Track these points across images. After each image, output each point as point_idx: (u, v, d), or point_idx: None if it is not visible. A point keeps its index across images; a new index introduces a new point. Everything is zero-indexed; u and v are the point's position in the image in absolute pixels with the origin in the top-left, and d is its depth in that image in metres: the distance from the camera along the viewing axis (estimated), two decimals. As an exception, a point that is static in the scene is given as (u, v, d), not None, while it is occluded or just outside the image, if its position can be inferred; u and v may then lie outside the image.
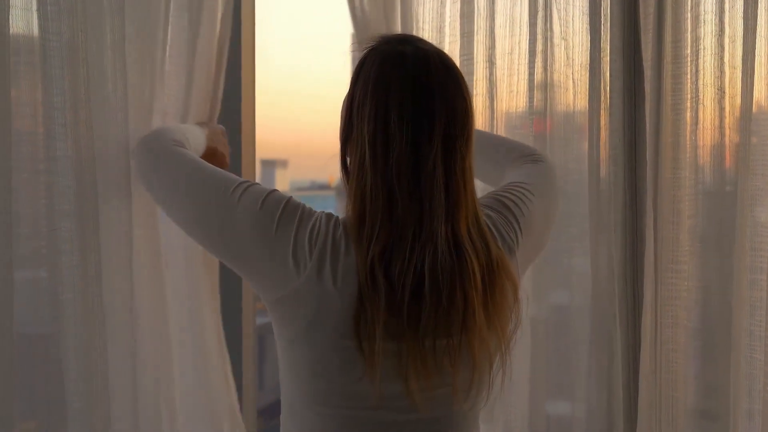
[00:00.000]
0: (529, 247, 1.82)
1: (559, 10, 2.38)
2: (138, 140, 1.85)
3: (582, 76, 2.41)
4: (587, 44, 2.39)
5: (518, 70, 2.41)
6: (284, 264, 1.64)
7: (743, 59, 2.22)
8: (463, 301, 1.63)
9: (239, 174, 2.54)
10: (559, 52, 2.39)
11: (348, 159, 1.73)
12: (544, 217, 1.86)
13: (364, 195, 1.66)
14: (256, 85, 2.64)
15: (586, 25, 2.40)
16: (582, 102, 2.43)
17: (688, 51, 2.29)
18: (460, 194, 1.66)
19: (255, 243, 1.66)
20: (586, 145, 2.45)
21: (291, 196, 1.74)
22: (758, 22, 2.19)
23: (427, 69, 1.67)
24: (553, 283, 2.51)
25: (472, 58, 2.38)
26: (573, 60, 2.40)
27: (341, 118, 1.76)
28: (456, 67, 1.72)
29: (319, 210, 1.75)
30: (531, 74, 2.39)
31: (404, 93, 1.65)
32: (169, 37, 2.02)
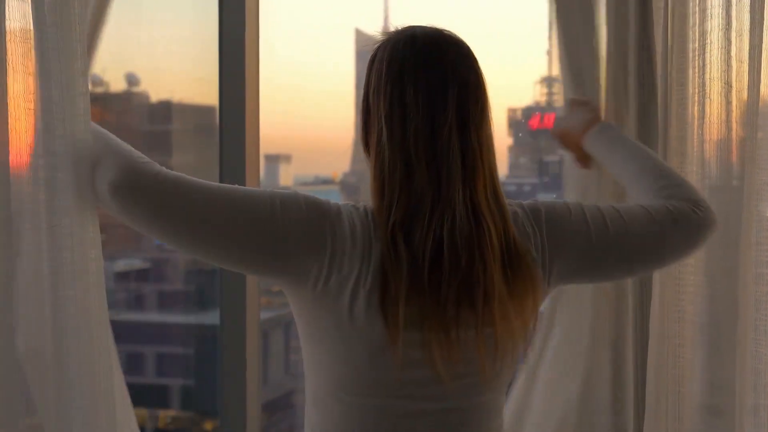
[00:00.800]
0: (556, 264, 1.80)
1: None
2: (96, 174, 1.71)
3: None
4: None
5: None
6: (332, 260, 1.66)
7: (749, 54, 2.21)
8: (482, 266, 1.66)
9: (242, 169, 2.54)
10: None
11: (369, 145, 1.77)
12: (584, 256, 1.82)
13: (383, 169, 1.69)
14: (260, 80, 2.64)
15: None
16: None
17: (696, 45, 2.28)
18: (477, 162, 1.70)
19: (307, 248, 1.68)
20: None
21: (314, 196, 1.76)
22: (764, 16, 2.18)
23: (438, 45, 1.73)
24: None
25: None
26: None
27: (360, 108, 1.80)
28: (466, 43, 1.77)
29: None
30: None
31: (417, 68, 1.70)
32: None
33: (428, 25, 1.80)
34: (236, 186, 1.73)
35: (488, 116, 1.74)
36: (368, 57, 1.80)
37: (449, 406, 1.72)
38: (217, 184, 1.72)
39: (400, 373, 1.66)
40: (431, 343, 1.65)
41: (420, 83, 1.70)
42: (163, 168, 1.74)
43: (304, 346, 1.76)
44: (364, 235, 1.67)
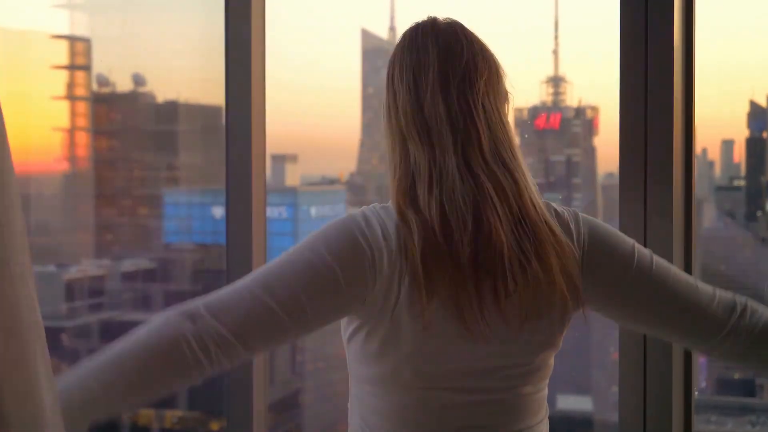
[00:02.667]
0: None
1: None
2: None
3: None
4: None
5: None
6: (382, 287, 1.68)
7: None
8: (489, 226, 1.67)
9: (249, 170, 2.54)
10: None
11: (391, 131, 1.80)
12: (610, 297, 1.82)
13: (389, 152, 1.73)
14: (266, 79, 2.64)
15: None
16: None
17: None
18: (469, 126, 1.71)
19: (361, 287, 1.69)
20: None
21: (332, 231, 1.74)
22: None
23: (431, 28, 1.79)
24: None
25: None
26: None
27: (384, 105, 1.84)
28: (466, 28, 1.82)
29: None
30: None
31: (405, 50, 1.77)
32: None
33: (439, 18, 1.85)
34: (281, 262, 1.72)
35: (484, 84, 1.75)
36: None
37: (491, 398, 1.74)
38: (262, 282, 1.70)
39: (427, 320, 1.67)
40: (462, 310, 1.65)
41: (404, 62, 1.72)
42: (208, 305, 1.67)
43: (349, 341, 1.77)
44: (395, 231, 1.69)
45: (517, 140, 1.75)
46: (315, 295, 1.63)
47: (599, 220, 1.77)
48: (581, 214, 1.76)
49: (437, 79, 1.71)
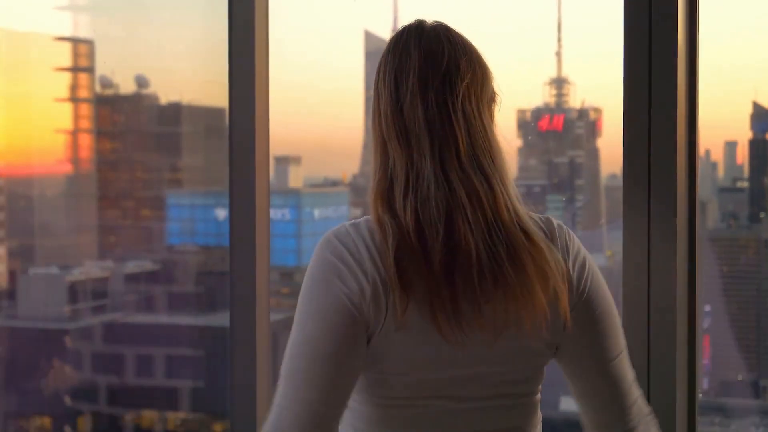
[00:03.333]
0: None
1: None
2: None
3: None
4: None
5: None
6: (373, 311, 1.71)
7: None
8: (459, 231, 1.69)
9: (252, 171, 2.54)
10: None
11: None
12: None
13: (372, 156, 1.78)
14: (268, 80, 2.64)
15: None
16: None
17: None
18: (446, 131, 1.74)
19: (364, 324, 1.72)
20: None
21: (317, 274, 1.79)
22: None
23: (417, 32, 1.80)
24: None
25: None
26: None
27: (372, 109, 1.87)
28: (455, 31, 1.84)
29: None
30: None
31: (389, 54, 1.78)
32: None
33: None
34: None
35: (466, 88, 1.76)
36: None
37: (478, 405, 1.76)
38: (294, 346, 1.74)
39: (400, 314, 1.68)
40: (436, 315, 1.67)
41: (388, 65, 1.76)
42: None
43: None
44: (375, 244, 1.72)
45: (500, 145, 1.75)
46: (346, 361, 1.70)
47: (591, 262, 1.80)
48: (579, 250, 1.77)
49: (417, 83, 1.72)
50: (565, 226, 1.82)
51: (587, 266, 1.80)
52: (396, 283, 1.65)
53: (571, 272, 1.75)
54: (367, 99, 1.86)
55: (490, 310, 1.67)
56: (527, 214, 1.76)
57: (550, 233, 1.77)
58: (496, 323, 1.68)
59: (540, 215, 1.84)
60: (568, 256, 1.76)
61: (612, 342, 1.84)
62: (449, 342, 1.66)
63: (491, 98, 1.80)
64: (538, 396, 1.84)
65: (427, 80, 1.73)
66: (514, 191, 1.77)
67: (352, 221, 1.76)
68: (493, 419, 1.78)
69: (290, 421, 1.67)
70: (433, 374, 1.71)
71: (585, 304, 1.77)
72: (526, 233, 1.70)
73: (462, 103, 1.73)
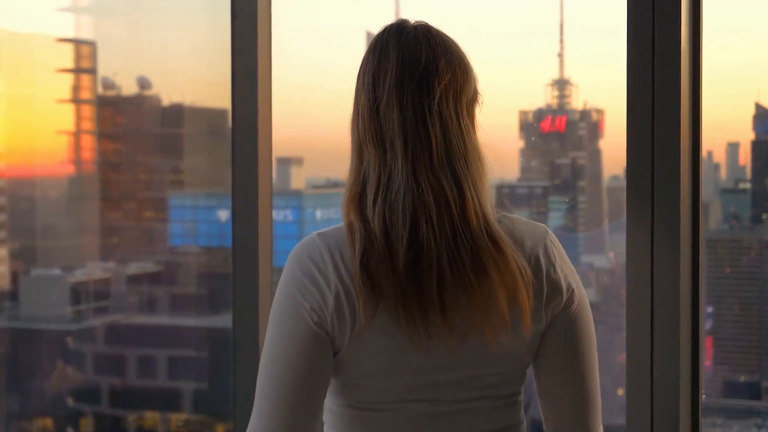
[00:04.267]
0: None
1: None
2: None
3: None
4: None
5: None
6: (336, 321, 1.74)
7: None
8: (424, 235, 1.70)
9: (255, 173, 2.54)
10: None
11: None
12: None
13: (351, 157, 1.80)
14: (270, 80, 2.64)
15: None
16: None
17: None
18: (419, 134, 1.74)
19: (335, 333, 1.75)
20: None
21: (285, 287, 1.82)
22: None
23: (396, 33, 1.81)
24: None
25: None
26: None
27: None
28: (437, 31, 1.83)
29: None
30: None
31: (369, 56, 1.80)
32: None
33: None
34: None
35: (442, 92, 1.76)
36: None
37: (460, 408, 1.76)
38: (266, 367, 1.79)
39: (365, 316, 1.71)
40: (400, 320, 1.69)
41: (368, 66, 1.78)
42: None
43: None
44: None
45: (478, 147, 1.75)
46: (315, 371, 1.73)
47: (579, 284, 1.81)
48: (549, 238, 1.77)
49: (393, 84, 1.72)
50: (557, 242, 1.83)
51: (575, 289, 1.82)
52: (361, 289, 1.66)
53: (561, 282, 1.77)
54: (369, 100, 1.85)
55: (455, 316, 1.68)
56: (502, 217, 1.78)
57: (533, 241, 1.78)
58: (461, 329, 1.69)
59: (537, 223, 1.85)
60: (554, 269, 1.78)
61: (588, 367, 1.87)
62: (415, 347, 1.67)
63: (472, 99, 1.80)
64: (519, 398, 1.85)
65: (404, 82, 1.72)
66: (488, 196, 1.76)
67: (321, 231, 1.77)
68: (471, 421, 1.79)
69: None
70: (404, 379, 1.73)
71: (566, 321, 1.80)
72: (493, 240, 1.70)
73: (439, 105, 1.72)
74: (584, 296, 1.85)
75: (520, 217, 1.83)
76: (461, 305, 1.68)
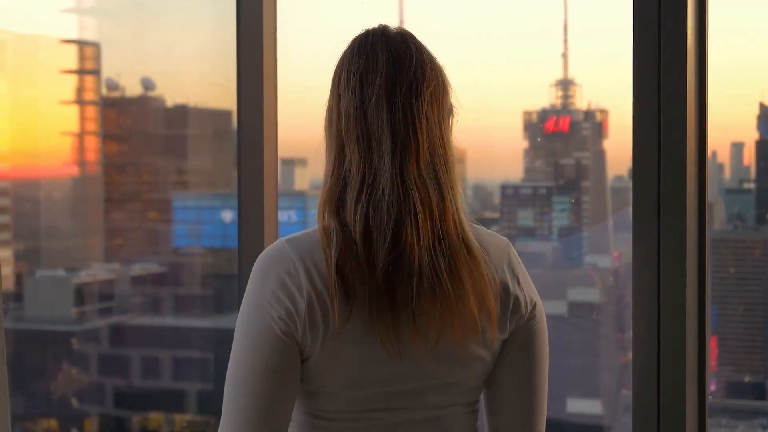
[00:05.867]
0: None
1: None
2: None
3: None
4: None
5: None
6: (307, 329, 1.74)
7: None
8: (405, 237, 1.70)
9: (260, 174, 2.54)
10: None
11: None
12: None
13: (326, 159, 1.80)
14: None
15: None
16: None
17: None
18: (409, 137, 1.74)
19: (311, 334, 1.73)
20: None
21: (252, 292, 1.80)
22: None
23: (375, 36, 1.82)
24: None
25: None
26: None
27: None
28: (412, 35, 1.84)
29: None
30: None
31: (350, 56, 1.80)
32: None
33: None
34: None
35: (431, 96, 1.77)
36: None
37: (419, 417, 1.79)
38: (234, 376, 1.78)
39: (339, 321, 1.71)
40: (374, 324, 1.69)
41: (352, 66, 1.77)
42: None
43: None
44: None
45: (454, 156, 1.77)
46: (281, 376, 1.72)
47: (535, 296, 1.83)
48: (512, 251, 1.80)
49: (384, 86, 1.72)
50: (518, 256, 1.86)
51: (537, 303, 1.86)
52: (336, 292, 1.66)
53: (520, 297, 1.80)
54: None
55: (425, 321, 1.69)
56: (473, 226, 1.80)
57: (498, 253, 1.80)
58: (430, 335, 1.70)
59: (500, 236, 1.87)
60: (518, 283, 1.81)
61: (541, 378, 1.89)
62: (387, 354, 1.68)
63: (450, 110, 1.81)
64: (478, 406, 1.88)
65: (395, 84, 1.73)
66: (462, 203, 1.79)
67: (289, 236, 1.77)
68: (438, 429, 1.80)
69: None
70: (373, 389, 1.73)
71: (525, 333, 1.83)
72: (467, 247, 1.73)
73: (426, 110, 1.74)
74: (542, 310, 1.89)
75: (483, 227, 1.85)
76: (433, 311, 1.69)
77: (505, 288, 1.79)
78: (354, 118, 1.74)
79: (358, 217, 1.68)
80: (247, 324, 1.73)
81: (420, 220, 1.68)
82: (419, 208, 1.68)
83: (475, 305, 1.70)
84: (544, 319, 1.88)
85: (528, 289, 1.85)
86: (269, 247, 1.79)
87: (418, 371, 1.73)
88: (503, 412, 1.89)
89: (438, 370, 1.76)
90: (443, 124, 1.77)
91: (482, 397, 1.91)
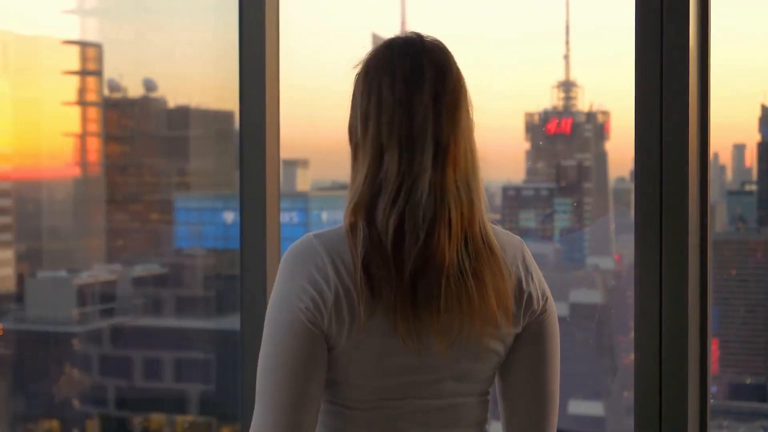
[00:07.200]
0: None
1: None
2: None
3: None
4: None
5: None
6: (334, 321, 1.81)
7: None
8: (437, 241, 1.75)
9: (262, 175, 2.54)
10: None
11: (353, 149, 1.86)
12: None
13: (359, 160, 1.84)
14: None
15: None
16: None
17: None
18: (450, 147, 1.79)
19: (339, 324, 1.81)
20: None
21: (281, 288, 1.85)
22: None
23: (413, 41, 1.86)
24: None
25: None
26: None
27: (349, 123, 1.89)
28: (442, 42, 1.90)
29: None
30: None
31: (393, 60, 1.84)
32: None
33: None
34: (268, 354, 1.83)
35: (465, 106, 1.84)
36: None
37: (436, 405, 1.84)
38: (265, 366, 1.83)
39: (363, 321, 1.75)
40: (397, 320, 1.74)
41: (397, 70, 1.80)
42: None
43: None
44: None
45: (479, 164, 1.82)
46: (310, 369, 1.76)
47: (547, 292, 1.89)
48: (525, 248, 1.86)
49: (430, 95, 1.77)
50: (530, 253, 1.93)
51: (548, 298, 1.92)
52: (362, 289, 1.70)
53: (533, 292, 1.86)
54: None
55: (448, 319, 1.75)
56: (499, 228, 1.87)
57: (513, 251, 1.87)
58: (452, 332, 1.75)
59: (513, 234, 1.93)
60: (532, 279, 1.87)
61: (551, 369, 1.95)
62: (408, 348, 1.73)
63: (472, 122, 1.87)
64: (489, 396, 1.96)
65: (439, 93, 1.78)
66: (486, 206, 1.85)
67: (316, 232, 1.80)
68: (457, 416, 1.87)
69: None
70: (395, 379, 1.79)
71: (538, 327, 1.89)
72: (490, 248, 1.79)
73: (463, 118, 1.79)
74: (553, 304, 1.95)
75: (498, 226, 1.91)
76: (456, 309, 1.76)
77: (519, 285, 1.86)
78: (398, 125, 1.78)
79: (391, 218, 1.74)
80: (277, 316, 1.78)
81: (453, 224, 1.75)
82: (453, 213, 1.76)
83: (494, 302, 1.77)
84: (555, 311, 1.95)
85: (540, 285, 1.93)
86: (297, 241, 1.83)
87: (437, 364, 1.81)
88: (517, 400, 1.97)
89: (455, 363, 1.85)
90: (472, 133, 1.83)
91: (495, 386, 1.97)
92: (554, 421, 1.99)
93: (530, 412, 1.95)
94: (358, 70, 1.90)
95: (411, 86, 1.80)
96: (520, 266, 1.89)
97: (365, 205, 1.77)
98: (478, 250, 1.80)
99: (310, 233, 1.80)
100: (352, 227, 1.76)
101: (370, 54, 1.86)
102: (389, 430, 1.85)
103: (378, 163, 1.79)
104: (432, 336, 1.79)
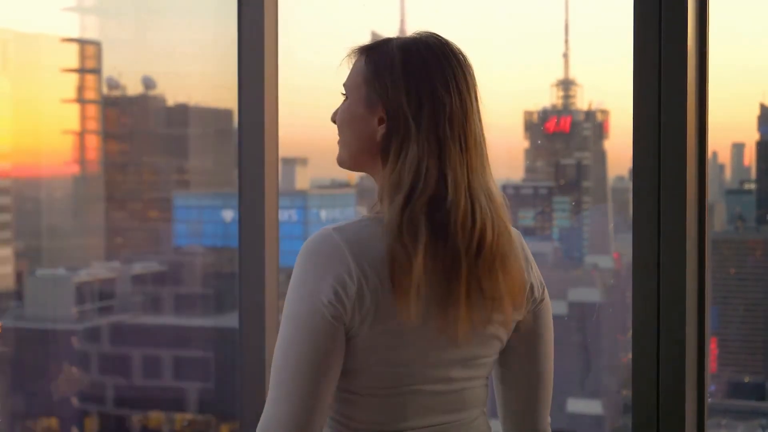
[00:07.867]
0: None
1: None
2: None
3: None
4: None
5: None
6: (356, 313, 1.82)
7: None
8: (483, 234, 1.82)
9: (261, 173, 2.54)
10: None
11: (390, 146, 1.87)
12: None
13: (412, 161, 1.82)
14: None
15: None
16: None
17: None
18: (485, 149, 1.89)
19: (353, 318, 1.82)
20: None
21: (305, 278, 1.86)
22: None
23: (442, 42, 1.88)
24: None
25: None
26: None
27: (385, 116, 1.89)
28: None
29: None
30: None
31: (437, 62, 1.84)
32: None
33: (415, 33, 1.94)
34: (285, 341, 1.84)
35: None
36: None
37: (453, 388, 1.89)
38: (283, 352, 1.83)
39: (414, 311, 1.79)
40: (427, 308, 1.78)
41: (448, 70, 1.83)
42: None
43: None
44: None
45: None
46: (327, 361, 1.78)
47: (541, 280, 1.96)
48: (523, 240, 1.93)
49: (474, 92, 1.84)
50: (525, 243, 2.00)
51: (545, 288, 2.03)
52: (387, 282, 1.73)
53: (534, 282, 1.92)
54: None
55: (472, 312, 1.78)
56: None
57: (519, 241, 1.94)
58: (475, 323, 1.80)
59: (511, 226, 1.99)
60: (532, 268, 1.94)
61: (546, 354, 2.05)
62: (444, 334, 1.77)
63: None
64: (487, 385, 2.02)
65: (470, 88, 1.84)
66: (505, 206, 1.91)
67: (335, 225, 1.82)
68: (468, 397, 1.96)
69: (279, 424, 1.79)
70: (411, 365, 1.82)
71: (537, 314, 1.95)
72: (510, 244, 1.84)
73: (480, 114, 1.86)
74: (547, 294, 2.04)
75: None
76: (481, 303, 1.82)
77: (523, 276, 1.94)
78: (462, 125, 1.83)
79: (425, 213, 1.77)
80: (296, 309, 1.79)
81: (486, 220, 1.78)
82: (486, 210, 1.80)
83: (510, 297, 1.83)
84: (549, 302, 2.04)
85: (538, 274, 2.01)
86: (315, 234, 1.85)
87: (452, 350, 1.84)
88: (515, 384, 2.06)
89: (465, 348, 1.89)
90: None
91: (493, 371, 2.07)
92: (549, 400, 2.07)
93: (529, 396, 2.04)
94: (374, 64, 1.88)
95: (468, 87, 1.86)
96: (522, 258, 1.96)
97: (402, 199, 1.78)
98: (501, 246, 1.86)
99: (329, 226, 1.82)
100: (386, 218, 1.78)
101: (398, 51, 1.84)
102: (397, 416, 1.88)
103: (441, 162, 1.81)
104: (458, 326, 1.84)
